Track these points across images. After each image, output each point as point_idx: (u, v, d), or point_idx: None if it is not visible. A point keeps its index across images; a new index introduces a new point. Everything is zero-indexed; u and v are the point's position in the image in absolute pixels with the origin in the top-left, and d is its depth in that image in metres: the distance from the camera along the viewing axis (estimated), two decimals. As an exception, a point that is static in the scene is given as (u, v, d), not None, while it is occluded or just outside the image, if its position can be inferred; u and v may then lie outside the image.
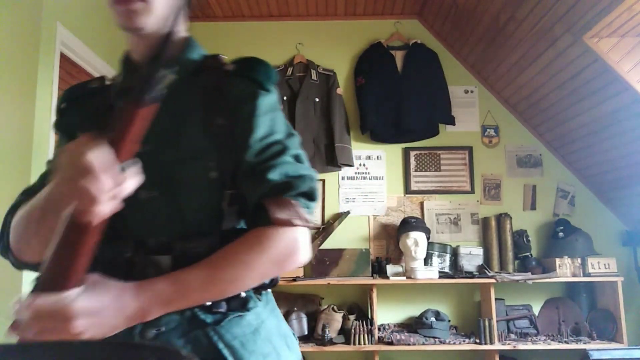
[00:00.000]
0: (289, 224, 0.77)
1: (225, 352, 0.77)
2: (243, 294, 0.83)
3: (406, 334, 3.15)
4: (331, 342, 3.06)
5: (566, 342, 3.11)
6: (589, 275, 3.21)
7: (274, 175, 0.79)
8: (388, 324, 3.34)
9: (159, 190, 0.81)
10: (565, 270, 3.21)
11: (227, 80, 0.85)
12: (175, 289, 0.72)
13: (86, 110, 0.92)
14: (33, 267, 0.82)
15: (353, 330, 3.07)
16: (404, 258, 3.34)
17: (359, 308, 3.34)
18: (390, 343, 3.07)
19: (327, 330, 3.09)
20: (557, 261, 3.22)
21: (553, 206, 3.55)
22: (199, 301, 0.76)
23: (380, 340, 3.12)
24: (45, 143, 2.49)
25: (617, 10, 2.32)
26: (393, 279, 3.20)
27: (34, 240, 0.79)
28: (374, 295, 3.19)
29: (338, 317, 3.16)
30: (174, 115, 0.83)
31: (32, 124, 2.40)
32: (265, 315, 0.86)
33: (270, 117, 0.84)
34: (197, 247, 0.79)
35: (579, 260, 3.24)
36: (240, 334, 0.80)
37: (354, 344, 3.05)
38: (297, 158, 0.83)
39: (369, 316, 3.22)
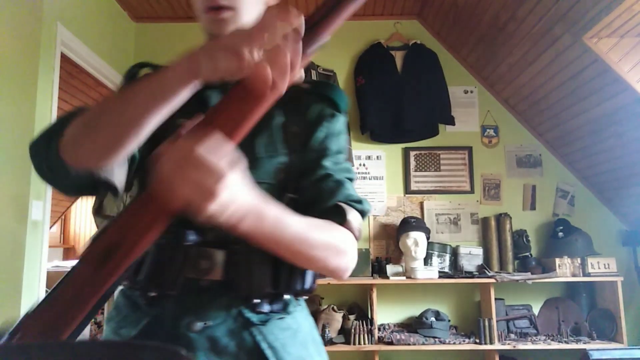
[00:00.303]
0: (354, 232, 0.82)
1: (269, 352, 0.79)
2: (286, 296, 0.84)
3: (406, 333, 3.16)
4: (331, 342, 3.07)
5: (566, 342, 3.11)
6: (588, 275, 3.21)
7: (351, 189, 0.86)
8: (388, 324, 3.34)
9: None
10: (565, 270, 3.21)
11: (305, 96, 0.91)
12: (278, 218, 0.69)
13: None
14: (82, 177, 0.74)
15: (353, 330, 3.07)
16: (403, 258, 3.34)
17: (359, 308, 3.34)
18: (390, 343, 3.08)
19: (327, 330, 3.09)
20: (557, 261, 3.22)
21: (553, 206, 3.56)
22: (272, 245, 0.71)
23: (380, 340, 3.12)
24: (45, 143, 2.48)
25: (616, 10, 2.33)
26: (393, 279, 3.20)
27: (102, 139, 0.70)
28: (374, 295, 3.20)
29: (338, 317, 3.16)
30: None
31: (33, 123, 2.40)
32: (302, 320, 0.87)
33: (343, 137, 0.93)
34: (250, 246, 0.76)
35: (579, 260, 3.24)
36: (281, 336, 0.81)
37: (354, 343, 3.05)
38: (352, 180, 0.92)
39: (369, 316, 3.22)
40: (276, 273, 0.80)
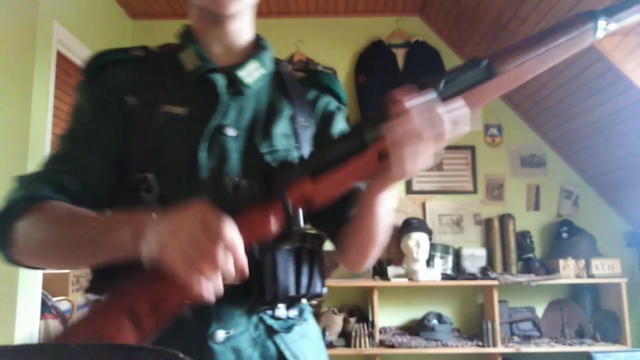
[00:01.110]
0: None
1: None
2: (303, 301, 0.84)
3: (408, 336, 3.13)
4: (331, 345, 3.04)
5: (570, 345, 3.09)
6: (592, 276, 3.19)
7: None
8: (389, 327, 3.31)
9: (251, 178, 0.78)
10: (569, 271, 3.19)
11: (303, 87, 0.92)
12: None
13: (134, 78, 0.83)
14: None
15: (354, 333, 3.05)
16: (405, 259, 3.31)
17: (359, 310, 3.31)
18: (392, 346, 3.05)
19: (327, 333, 3.06)
20: (561, 262, 3.19)
21: (557, 206, 3.52)
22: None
23: (382, 343, 3.09)
24: (41, 141, 2.47)
25: (622, 7, 2.29)
26: (394, 281, 3.17)
27: (54, 259, 0.74)
28: (375, 297, 3.16)
29: (338, 320, 3.13)
30: (266, 107, 0.86)
31: (29, 122, 2.40)
32: (314, 326, 0.87)
33: None
34: (274, 247, 0.78)
35: (583, 261, 3.21)
36: (301, 344, 0.80)
37: (355, 347, 3.03)
38: None
39: (370, 319, 3.20)
40: (298, 276, 0.78)
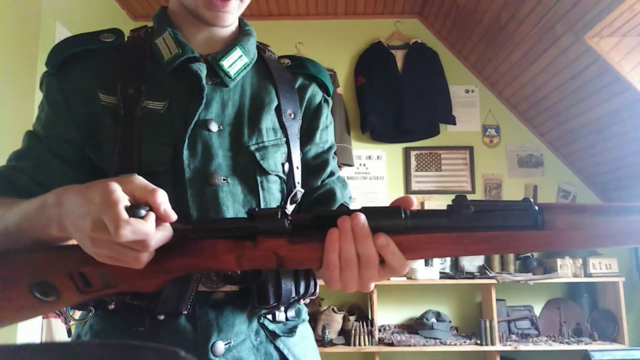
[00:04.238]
0: None
1: None
2: (300, 302, 0.81)
3: (407, 335, 3.14)
4: (331, 343, 3.05)
5: (567, 343, 3.10)
6: (590, 275, 3.20)
7: (348, 187, 0.87)
8: (388, 325, 3.32)
9: (235, 177, 0.74)
10: (566, 270, 3.20)
11: (289, 75, 0.86)
12: None
13: (106, 72, 0.76)
14: None
15: (353, 331, 3.06)
16: (404, 258, 3.32)
17: (359, 309, 3.32)
18: (391, 344, 3.06)
19: (327, 331, 3.07)
20: (559, 261, 3.21)
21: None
22: None
23: (381, 342, 3.11)
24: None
25: (618, 9, 2.31)
26: (393, 280, 3.18)
27: None
28: (374, 296, 3.18)
29: (338, 318, 3.14)
30: (250, 98, 0.80)
31: (31, 123, 2.38)
32: (308, 325, 0.84)
33: (332, 124, 0.92)
34: None
35: (581, 260, 3.23)
36: (303, 346, 0.78)
37: (354, 345, 3.04)
38: None
39: (369, 317, 3.21)
40: (297, 277, 0.75)
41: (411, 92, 3.50)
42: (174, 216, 0.54)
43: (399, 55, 3.61)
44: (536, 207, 0.55)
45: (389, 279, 0.61)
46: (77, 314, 0.78)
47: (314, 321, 3.18)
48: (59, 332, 2.42)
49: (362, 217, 0.56)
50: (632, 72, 2.59)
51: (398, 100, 3.50)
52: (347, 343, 3.07)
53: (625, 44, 2.56)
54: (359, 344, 3.04)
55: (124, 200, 0.51)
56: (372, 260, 0.55)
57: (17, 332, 2.23)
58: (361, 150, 3.61)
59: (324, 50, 3.67)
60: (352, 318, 3.15)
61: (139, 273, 0.57)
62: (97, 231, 0.51)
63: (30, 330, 2.31)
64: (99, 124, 0.73)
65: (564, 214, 0.55)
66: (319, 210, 0.65)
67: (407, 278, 3.19)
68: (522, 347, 3.07)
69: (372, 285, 0.59)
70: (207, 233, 0.58)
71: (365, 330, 3.06)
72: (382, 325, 3.30)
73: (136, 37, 0.81)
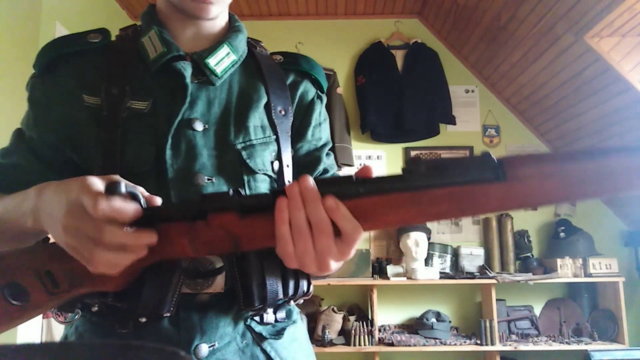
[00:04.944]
0: None
1: None
2: (291, 303, 0.78)
3: (407, 335, 3.14)
4: (331, 343, 3.05)
5: (567, 343, 3.10)
6: (590, 275, 3.20)
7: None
8: (388, 325, 3.32)
9: (220, 177, 0.73)
10: (566, 270, 3.20)
11: (281, 71, 0.85)
12: None
13: (92, 74, 0.76)
14: None
15: (353, 331, 3.06)
16: (404, 258, 3.33)
17: (359, 309, 3.32)
18: (391, 344, 3.06)
19: (327, 331, 3.07)
20: (559, 261, 3.21)
21: (554, 206, 3.54)
22: None
23: (381, 342, 3.11)
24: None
25: (618, 9, 2.31)
26: (393, 280, 3.18)
27: None
28: (375, 295, 3.18)
29: (338, 318, 3.15)
30: (238, 96, 0.79)
31: (31, 123, 2.39)
32: (301, 327, 0.82)
33: (327, 122, 0.90)
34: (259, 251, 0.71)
35: (581, 260, 3.22)
36: (292, 349, 0.76)
37: (354, 345, 3.04)
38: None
39: (369, 317, 3.21)
40: (284, 278, 0.71)
41: (411, 92, 3.50)
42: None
43: (399, 55, 3.61)
44: (495, 159, 0.49)
45: (349, 258, 0.58)
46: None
47: (314, 321, 3.18)
48: (59, 332, 2.42)
49: (310, 179, 0.54)
50: (632, 72, 2.59)
51: (398, 100, 3.50)
52: (347, 343, 3.07)
53: (625, 44, 2.56)
54: (359, 344, 3.04)
55: (101, 183, 0.54)
56: (325, 227, 0.52)
57: (17, 332, 2.23)
58: (361, 150, 3.61)
59: (324, 50, 3.67)
60: (352, 318, 3.16)
61: None
62: (70, 216, 0.53)
63: (30, 330, 2.31)
64: (81, 125, 0.73)
65: (529, 163, 0.48)
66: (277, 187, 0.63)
67: (407, 278, 3.19)
68: (522, 347, 3.07)
69: (333, 265, 0.55)
70: (159, 218, 0.56)
71: (365, 330, 3.06)
72: (382, 325, 3.30)
73: (124, 36, 0.81)
